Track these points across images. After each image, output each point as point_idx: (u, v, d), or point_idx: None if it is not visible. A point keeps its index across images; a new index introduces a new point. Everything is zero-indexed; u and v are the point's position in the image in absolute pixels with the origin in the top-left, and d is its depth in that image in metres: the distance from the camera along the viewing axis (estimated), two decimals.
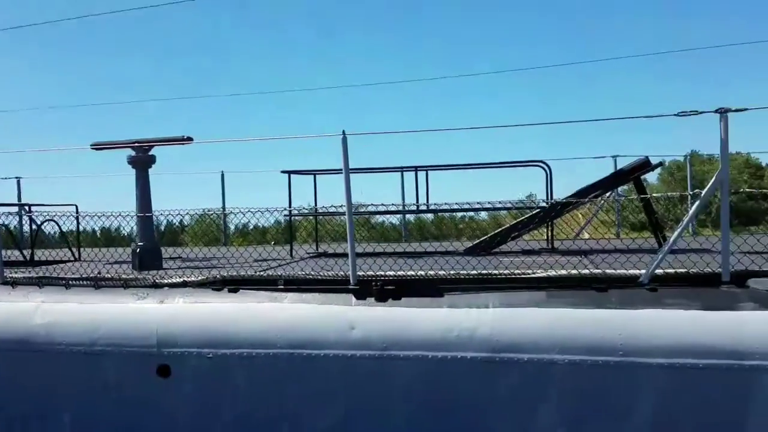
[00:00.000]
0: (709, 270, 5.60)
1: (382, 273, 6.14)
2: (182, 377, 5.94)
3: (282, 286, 6.19)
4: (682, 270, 5.69)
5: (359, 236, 14.74)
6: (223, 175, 13.91)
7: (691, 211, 5.70)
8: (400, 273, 6.13)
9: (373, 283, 5.88)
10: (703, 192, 5.46)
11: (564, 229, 11.28)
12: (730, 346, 4.93)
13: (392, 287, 5.86)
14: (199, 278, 6.56)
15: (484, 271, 6.10)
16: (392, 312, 5.70)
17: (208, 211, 11.35)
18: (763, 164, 56.16)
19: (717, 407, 4.93)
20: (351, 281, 5.98)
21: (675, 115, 5.09)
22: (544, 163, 8.99)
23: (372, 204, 7.38)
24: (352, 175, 6.02)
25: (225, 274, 6.58)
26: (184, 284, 6.52)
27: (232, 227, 15.38)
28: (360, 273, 6.07)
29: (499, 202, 8.15)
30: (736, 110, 4.97)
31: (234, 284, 6.36)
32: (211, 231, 14.75)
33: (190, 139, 7.51)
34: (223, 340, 5.89)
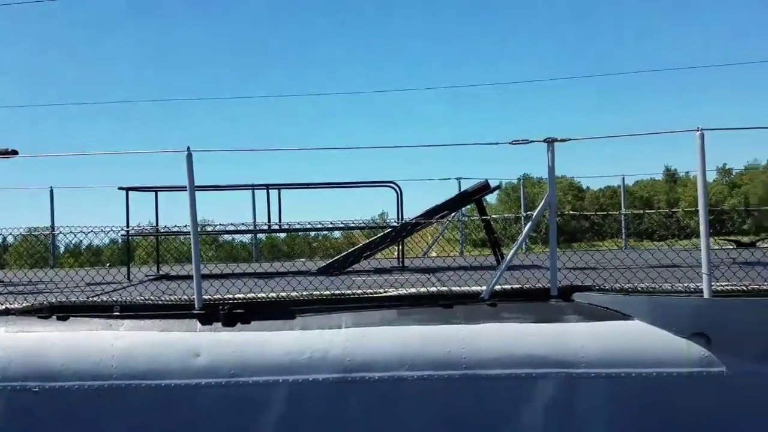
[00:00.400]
0: (540, 286, 6.07)
1: (231, 296, 5.94)
2: (4, 414, 5.31)
3: (118, 313, 5.76)
4: (517, 286, 6.11)
5: (206, 256, 14.16)
6: (52, 191, 12.75)
7: (524, 232, 6.17)
8: (250, 295, 5.97)
9: (220, 307, 5.66)
10: (534, 214, 5.93)
11: (414, 248, 11.67)
12: (558, 356, 5.35)
13: (241, 311, 5.68)
14: (24, 305, 5.94)
15: (337, 292, 6.12)
16: (240, 336, 5.52)
17: (34, 230, 10.32)
18: (584, 187, 62.82)
19: (549, 414, 5.31)
20: (196, 305, 5.71)
21: (509, 143, 5.50)
22: (395, 183, 9.26)
23: (220, 223, 7.14)
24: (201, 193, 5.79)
25: (53, 300, 6.00)
26: (6, 312, 5.87)
27: (62, 247, 14.08)
28: (206, 297, 5.82)
29: (352, 222, 8.25)
30: (561, 140, 5.47)
31: (63, 311, 5.81)
32: (37, 251, 13.39)
33: (14, 152, 6.78)
34: (51, 373, 5.35)
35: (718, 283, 5.63)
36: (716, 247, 11.63)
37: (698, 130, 5.23)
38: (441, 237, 12.26)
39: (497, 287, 5.96)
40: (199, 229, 6.07)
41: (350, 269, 8.73)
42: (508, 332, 5.50)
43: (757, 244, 12.22)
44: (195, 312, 5.67)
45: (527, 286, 6.11)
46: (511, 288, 6.06)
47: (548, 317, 5.62)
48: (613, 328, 5.45)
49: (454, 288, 6.12)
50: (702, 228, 5.36)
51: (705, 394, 5.20)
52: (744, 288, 5.61)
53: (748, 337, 5.18)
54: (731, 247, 12.02)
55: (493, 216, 9.30)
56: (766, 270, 6.35)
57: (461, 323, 5.58)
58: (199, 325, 5.62)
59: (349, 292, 6.12)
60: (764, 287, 5.54)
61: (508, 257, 6.10)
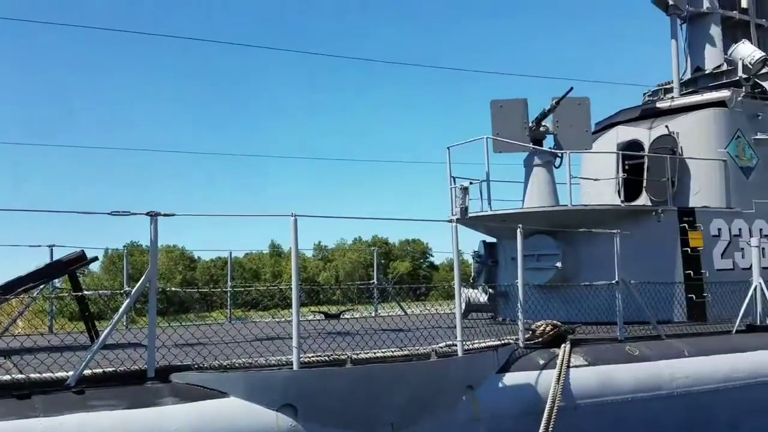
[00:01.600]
0: (137, 367, 5.72)
1: None
2: None
3: None
4: (111, 369, 5.65)
5: None
6: None
7: (121, 309, 5.82)
8: None
9: None
10: (134, 290, 5.65)
11: None
12: None
13: None
14: None
15: None
16: None
17: None
18: (196, 257, 63.08)
19: None
20: None
21: (108, 213, 5.19)
22: None
23: None
24: None
25: None
26: None
27: None
28: None
29: None
30: (165, 215, 5.40)
31: None
32: None
33: None
34: None
35: (306, 355, 6.13)
36: (306, 319, 12.80)
37: (292, 215, 5.78)
38: (27, 310, 10.63)
39: (87, 371, 5.43)
40: None
41: None
42: (95, 422, 5.02)
43: (342, 314, 13.90)
44: None
45: (122, 368, 5.70)
46: (104, 372, 5.59)
47: (143, 401, 5.32)
48: (208, 408, 5.43)
49: (33, 375, 5.33)
50: (294, 303, 5.81)
51: None
52: (326, 358, 6.22)
53: (328, 404, 5.75)
54: (320, 318, 13.40)
55: (86, 292, 8.54)
56: (345, 340, 7.21)
57: (39, 416, 4.92)
58: None
59: None
60: (343, 357, 6.23)
61: (102, 337, 5.63)
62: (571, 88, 10.74)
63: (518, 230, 7.69)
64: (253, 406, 5.52)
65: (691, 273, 10.46)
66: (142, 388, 5.50)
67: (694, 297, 10.41)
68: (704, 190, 11.32)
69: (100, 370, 5.57)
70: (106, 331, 5.62)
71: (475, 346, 7.23)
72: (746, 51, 12.58)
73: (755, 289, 9.53)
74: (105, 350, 5.83)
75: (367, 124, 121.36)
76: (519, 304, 7.69)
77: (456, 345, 6.76)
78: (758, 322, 9.58)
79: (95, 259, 8.67)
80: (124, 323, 10.99)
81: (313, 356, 6.23)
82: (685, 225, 10.58)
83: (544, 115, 10.91)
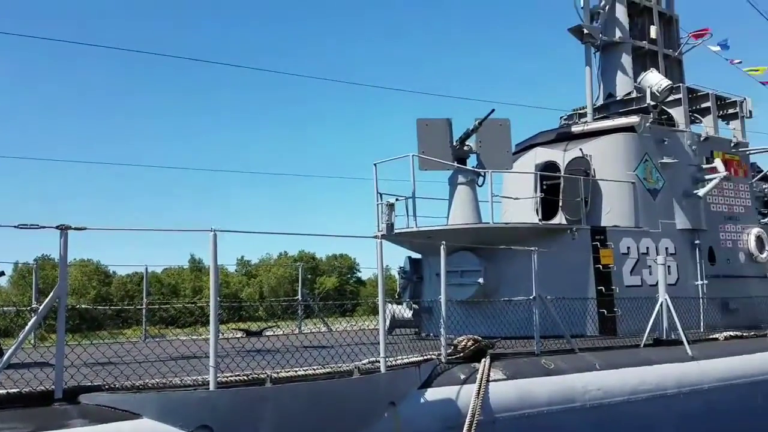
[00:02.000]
0: (43, 388, 5.42)
1: None
2: None
3: None
4: (15, 390, 5.34)
5: None
6: None
7: (28, 326, 5.52)
8: None
9: None
10: (41, 306, 5.37)
11: None
12: None
13: None
14: None
15: None
16: None
17: None
18: (111, 272, 60.26)
19: None
20: None
21: (15, 227, 4.94)
22: None
23: None
24: None
25: None
26: None
27: None
28: None
29: None
30: (76, 228, 5.18)
31: None
32: None
33: None
34: None
35: (223, 374, 5.96)
36: (226, 337, 12.46)
37: (211, 231, 5.66)
38: None
39: None
40: None
41: None
42: None
43: (264, 331, 13.61)
44: None
45: (28, 389, 5.40)
46: (7, 393, 5.29)
47: (49, 424, 5.06)
48: (119, 430, 5.21)
49: None
50: (212, 320, 5.66)
51: None
52: (245, 377, 6.07)
53: (246, 425, 5.61)
54: (240, 336, 13.09)
55: None
56: (266, 359, 7.04)
57: None
58: None
59: None
60: (262, 376, 6.10)
61: (7, 355, 5.33)
62: (493, 110, 11.09)
63: (442, 247, 7.81)
64: (167, 428, 5.32)
65: (603, 289, 10.97)
66: (48, 410, 5.21)
67: (606, 312, 10.90)
68: (615, 210, 11.91)
69: (4, 391, 5.27)
70: (11, 350, 5.30)
71: (399, 362, 7.26)
72: (654, 79, 13.39)
73: (661, 305, 10.06)
74: (9, 370, 5.51)
75: (296, 138, 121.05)
76: (442, 320, 7.79)
77: (379, 361, 6.78)
78: (664, 337, 10.10)
79: (1, 273, 8.20)
80: (32, 341, 10.40)
81: (231, 375, 6.06)
82: (597, 243, 11.10)
83: (467, 135, 11.21)
